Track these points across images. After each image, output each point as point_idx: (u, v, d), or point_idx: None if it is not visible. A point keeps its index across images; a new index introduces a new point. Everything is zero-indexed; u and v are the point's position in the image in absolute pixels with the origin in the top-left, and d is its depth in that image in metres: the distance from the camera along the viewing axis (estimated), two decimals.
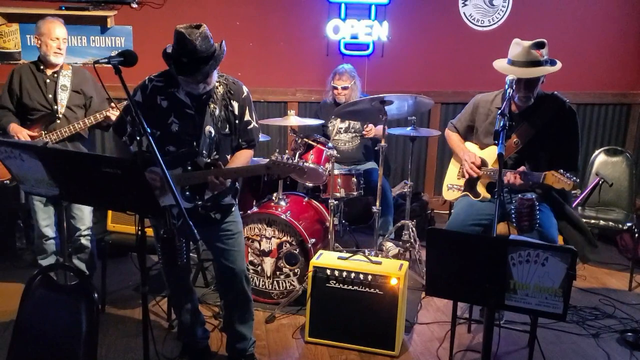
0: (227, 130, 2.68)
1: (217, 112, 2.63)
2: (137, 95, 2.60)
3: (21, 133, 3.45)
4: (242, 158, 2.75)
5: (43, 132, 3.50)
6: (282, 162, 2.61)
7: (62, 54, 3.56)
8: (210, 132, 2.62)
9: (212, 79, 2.56)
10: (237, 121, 2.70)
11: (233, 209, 2.80)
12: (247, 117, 2.73)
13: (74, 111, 3.58)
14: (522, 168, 3.08)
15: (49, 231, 3.62)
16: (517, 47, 3.08)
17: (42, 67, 3.57)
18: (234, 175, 2.69)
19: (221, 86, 2.65)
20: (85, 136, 3.64)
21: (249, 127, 2.75)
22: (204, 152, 2.62)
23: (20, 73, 3.56)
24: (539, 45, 3.05)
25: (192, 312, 2.97)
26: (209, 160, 2.63)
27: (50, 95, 3.53)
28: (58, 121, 3.54)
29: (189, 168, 2.60)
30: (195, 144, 2.61)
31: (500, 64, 3.15)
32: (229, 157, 2.73)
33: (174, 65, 2.46)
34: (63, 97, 3.55)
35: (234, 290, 2.85)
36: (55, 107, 3.54)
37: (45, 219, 3.59)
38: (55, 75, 3.57)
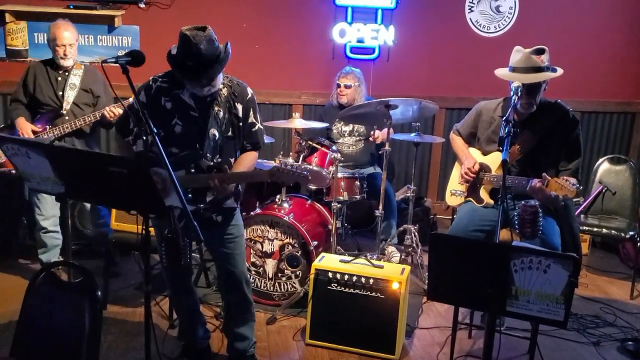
0: (230, 133, 2.65)
1: (221, 114, 2.61)
2: (141, 95, 2.58)
3: (25, 130, 3.66)
4: (247, 160, 2.74)
5: (47, 127, 3.69)
6: (285, 169, 2.59)
7: (70, 57, 3.75)
8: (214, 134, 2.60)
9: (217, 82, 2.55)
10: (240, 123, 2.67)
11: (235, 212, 2.79)
12: (251, 119, 2.70)
13: (82, 108, 3.79)
14: (537, 184, 3.03)
15: (47, 223, 3.73)
16: (518, 54, 3.11)
17: (54, 65, 3.78)
18: (237, 181, 2.68)
19: (225, 88, 2.63)
20: (87, 132, 3.82)
21: (254, 129, 2.73)
22: (207, 154, 2.61)
23: (35, 69, 3.80)
24: (539, 52, 3.08)
25: (193, 312, 2.98)
26: (212, 163, 2.61)
27: (60, 93, 3.75)
28: (64, 117, 3.73)
29: (192, 170, 2.60)
30: (199, 146, 2.60)
31: (501, 72, 3.18)
32: (232, 160, 2.71)
33: (178, 68, 2.45)
34: (70, 95, 3.76)
35: (234, 293, 2.86)
36: (62, 103, 3.73)
37: (46, 210, 3.70)
38: (66, 73, 3.78)
